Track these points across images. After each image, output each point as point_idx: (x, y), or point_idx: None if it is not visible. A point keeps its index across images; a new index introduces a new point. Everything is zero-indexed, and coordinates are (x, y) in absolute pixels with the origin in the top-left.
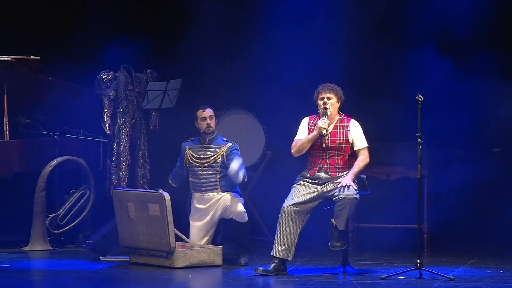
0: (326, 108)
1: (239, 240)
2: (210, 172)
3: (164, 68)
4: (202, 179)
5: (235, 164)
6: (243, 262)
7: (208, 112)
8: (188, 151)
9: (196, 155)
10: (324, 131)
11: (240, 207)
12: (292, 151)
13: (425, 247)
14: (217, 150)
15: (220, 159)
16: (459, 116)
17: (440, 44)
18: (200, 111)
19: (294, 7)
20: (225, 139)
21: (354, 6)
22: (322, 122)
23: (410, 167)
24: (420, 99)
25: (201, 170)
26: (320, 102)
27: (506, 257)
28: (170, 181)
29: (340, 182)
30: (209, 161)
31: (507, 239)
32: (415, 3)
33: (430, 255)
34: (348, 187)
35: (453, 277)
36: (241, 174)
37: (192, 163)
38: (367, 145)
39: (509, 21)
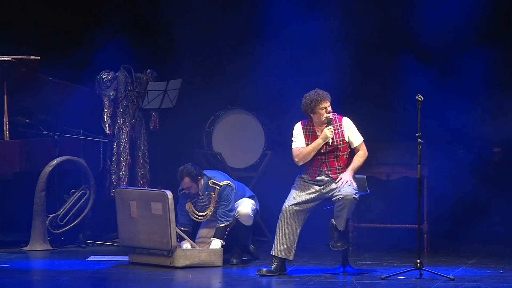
0: (330, 118)
1: (237, 241)
2: (212, 218)
3: (164, 68)
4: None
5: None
6: (235, 261)
7: (183, 184)
8: (190, 205)
9: (195, 211)
10: (330, 140)
11: (247, 209)
12: (296, 160)
13: (425, 247)
14: (210, 196)
15: (215, 205)
16: (459, 116)
17: (437, 45)
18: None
19: (294, 11)
20: (211, 182)
21: (351, 12)
22: (330, 132)
23: (410, 167)
24: (420, 99)
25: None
26: (322, 111)
27: (506, 257)
28: (181, 228)
29: (340, 179)
30: (208, 215)
31: (507, 239)
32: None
33: (430, 255)
34: (348, 183)
35: (453, 277)
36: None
37: (196, 220)
38: (363, 139)
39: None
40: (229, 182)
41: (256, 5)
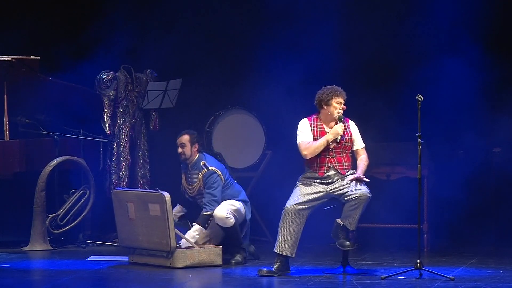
0: (341, 115)
1: (231, 242)
2: (200, 196)
3: (164, 68)
4: (198, 202)
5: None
6: (233, 262)
7: (180, 139)
8: (183, 177)
9: (186, 183)
10: (339, 137)
11: (221, 211)
12: (305, 152)
13: (425, 247)
14: (198, 175)
15: (201, 186)
16: (459, 116)
17: (439, 44)
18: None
19: (294, 10)
20: (203, 163)
21: (351, 10)
22: (341, 128)
23: (410, 167)
24: (420, 99)
25: (192, 198)
26: (337, 105)
27: (506, 257)
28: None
29: (350, 180)
30: (194, 190)
31: (507, 239)
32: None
33: (430, 255)
34: (362, 182)
35: (453, 277)
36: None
37: (184, 192)
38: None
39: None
40: (217, 170)
41: (257, 6)
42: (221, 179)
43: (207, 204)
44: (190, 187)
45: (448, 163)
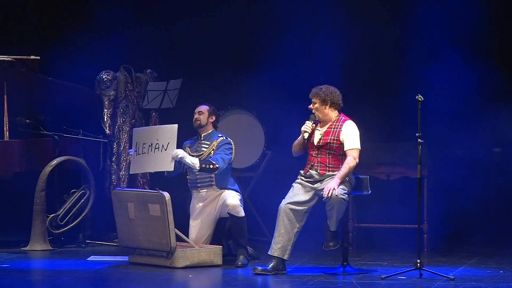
0: (312, 113)
1: (237, 239)
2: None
3: (164, 68)
4: (197, 175)
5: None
6: (240, 264)
7: (199, 107)
8: (187, 149)
9: (191, 152)
10: (306, 134)
11: (235, 200)
12: (292, 151)
13: (425, 247)
14: (209, 145)
15: (212, 154)
16: (458, 116)
17: (440, 45)
18: None
19: (295, 10)
20: (220, 135)
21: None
22: (304, 126)
23: (410, 167)
24: (420, 99)
25: None
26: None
27: (506, 257)
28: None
29: (327, 186)
30: (201, 157)
31: (507, 239)
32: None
33: (430, 255)
34: (333, 190)
35: (453, 277)
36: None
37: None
38: (358, 147)
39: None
40: (234, 145)
41: (257, 8)
42: (233, 153)
43: (217, 158)
44: (196, 154)
45: (448, 163)
